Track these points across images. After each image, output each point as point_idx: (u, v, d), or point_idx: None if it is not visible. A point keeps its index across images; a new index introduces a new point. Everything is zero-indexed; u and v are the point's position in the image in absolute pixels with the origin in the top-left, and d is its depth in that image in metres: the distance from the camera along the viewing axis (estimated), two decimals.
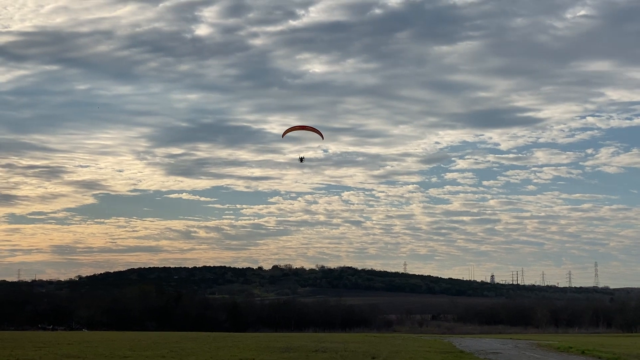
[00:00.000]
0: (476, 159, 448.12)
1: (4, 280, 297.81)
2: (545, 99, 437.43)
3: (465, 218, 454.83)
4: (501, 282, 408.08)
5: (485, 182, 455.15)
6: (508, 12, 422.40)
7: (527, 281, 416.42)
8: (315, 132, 75.32)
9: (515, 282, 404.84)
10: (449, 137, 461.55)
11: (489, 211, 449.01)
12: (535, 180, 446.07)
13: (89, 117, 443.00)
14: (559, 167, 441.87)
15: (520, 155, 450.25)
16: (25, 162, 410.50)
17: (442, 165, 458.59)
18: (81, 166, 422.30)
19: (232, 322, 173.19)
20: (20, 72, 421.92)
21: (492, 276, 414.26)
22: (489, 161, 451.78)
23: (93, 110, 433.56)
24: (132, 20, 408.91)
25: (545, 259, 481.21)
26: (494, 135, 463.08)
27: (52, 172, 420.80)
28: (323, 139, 76.23)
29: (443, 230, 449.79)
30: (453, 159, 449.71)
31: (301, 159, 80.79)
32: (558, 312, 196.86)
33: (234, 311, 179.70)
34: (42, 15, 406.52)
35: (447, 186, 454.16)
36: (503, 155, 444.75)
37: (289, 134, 77.17)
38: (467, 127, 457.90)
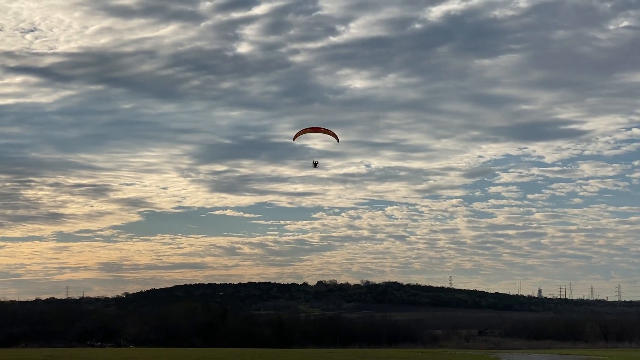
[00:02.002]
0: (520, 172, 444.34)
1: (53, 298, 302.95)
2: (590, 110, 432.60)
3: (510, 232, 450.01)
4: (549, 297, 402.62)
5: (530, 196, 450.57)
6: (549, 25, 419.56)
7: (576, 295, 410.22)
8: (329, 134, 74.62)
9: (563, 297, 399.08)
10: (492, 150, 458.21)
11: (535, 225, 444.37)
12: (581, 193, 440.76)
13: (133, 136, 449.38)
14: (605, 180, 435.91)
15: (565, 168, 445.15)
16: (72, 180, 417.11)
17: (485, 179, 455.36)
18: (126, 184, 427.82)
19: (277, 338, 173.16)
20: (66, 93, 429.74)
21: (540, 290, 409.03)
22: (533, 174, 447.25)
23: (137, 129, 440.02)
24: (174, 39, 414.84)
25: (594, 272, 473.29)
26: (537, 148, 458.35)
27: (98, 191, 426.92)
28: (338, 141, 75.80)
29: (488, 245, 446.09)
30: (497, 172, 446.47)
31: (315, 164, 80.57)
32: (608, 327, 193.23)
33: (279, 327, 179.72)
34: (86, 37, 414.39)
35: (492, 200, 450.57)
36: (548, 168, 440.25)
37: (303, 135, 76.40)
38: (510, 141, 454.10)
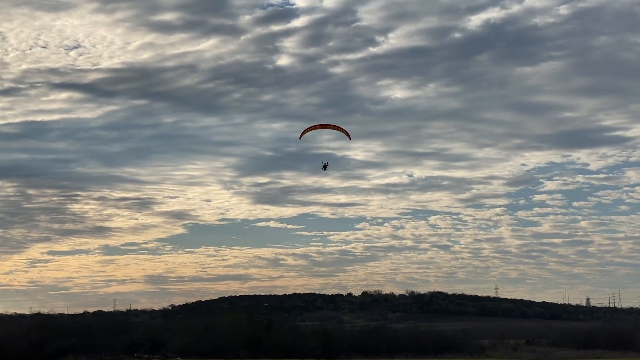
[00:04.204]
0: (565, 180, 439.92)
1: (101, 310, 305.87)
2: (634, 117, 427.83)
3: (556, 240, 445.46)
4: (597, 305, 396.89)
5: (575, 204, 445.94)
6: (591, 31, 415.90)
7: (625, 304, 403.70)
8: (339, 130, 73.70)
9: (612, 305, 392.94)
10: (535, 158, 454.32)
11: (581, 233, 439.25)
12: (627, 200, 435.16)
13: (176, 149, 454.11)
14: None
15: (610, 175, 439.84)
16: (117, 194, 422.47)
17: (529, 187, 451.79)
18: (170, 197, 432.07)
19: (323, 349, 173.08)
20: (110, 108, 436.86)
21: (588, 299, 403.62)
22: (578, 182, 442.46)
23: (180, 142, 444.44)
24: (215, 53, 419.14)
25: None
26: (582, 156, 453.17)
27: (143, 204, 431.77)
28: (350, 139, 75.21)
29: (534, 253, 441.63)
30: (541, 180, 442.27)
31: (324, 167, 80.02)
32: None
33: (324, 338, 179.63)
34: (129, 52, 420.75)
35: (536, 208, 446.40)
36: (593, 176, 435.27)
37: (310, 133, 75.30)
38: (553, 148, 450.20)
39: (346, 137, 76.33)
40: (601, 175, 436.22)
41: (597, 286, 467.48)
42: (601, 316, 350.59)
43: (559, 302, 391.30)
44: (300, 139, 79.61)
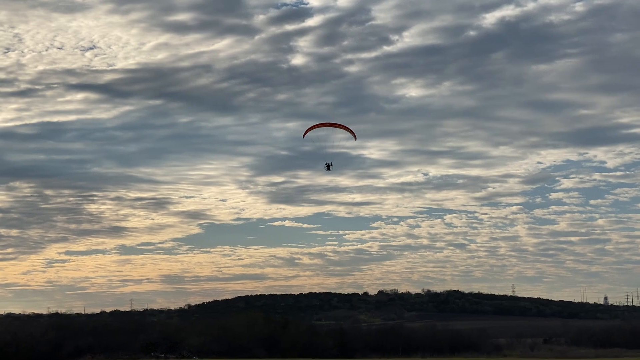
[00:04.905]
0: (582, 178, 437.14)
1: (118, 310, 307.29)
2: None
3: (573, 238, 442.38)
4: (615, 304, 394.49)
5: (592, 202, 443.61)
6: (607, 28, 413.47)
7: None
8: (345, 129, 73.27)
9: (630, 304, 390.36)
10: (552, 156, 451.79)
11: (598, 231, 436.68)
12: None
13: (191, 149, 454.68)
14: None
15: (628, 172, 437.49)
16: (132, 194, 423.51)
17: (546, 185, 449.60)
18: (186, 197, 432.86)
19: (339, 348, 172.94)
20: (125, 108, 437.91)
21: (606, 298, 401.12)
22: (595, 180, 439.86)
23: (195, 142, 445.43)
24: (229, 53, 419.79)
25: None
26: (599, 153, 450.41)
27: (159, 204, 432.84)
28: (356, 139, 74.76)
29: (550, 252, 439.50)
30: (557, 178, 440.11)
31: (328, 167, 79.50)
32: None
33: (341, 337, 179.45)
34: (144, 53, 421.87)
35: (553, 206, 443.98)
36: (610, 173, 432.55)
37: (312, 132, 75.00)
38: (570, 146, 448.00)
39: (351, 137, 75.91)
40: (618, 173, 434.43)
41: (615, 284, 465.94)
42: (619, 314, 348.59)
43: (576, 301, 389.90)
44: (303, 137, 79.28)
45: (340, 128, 75.50)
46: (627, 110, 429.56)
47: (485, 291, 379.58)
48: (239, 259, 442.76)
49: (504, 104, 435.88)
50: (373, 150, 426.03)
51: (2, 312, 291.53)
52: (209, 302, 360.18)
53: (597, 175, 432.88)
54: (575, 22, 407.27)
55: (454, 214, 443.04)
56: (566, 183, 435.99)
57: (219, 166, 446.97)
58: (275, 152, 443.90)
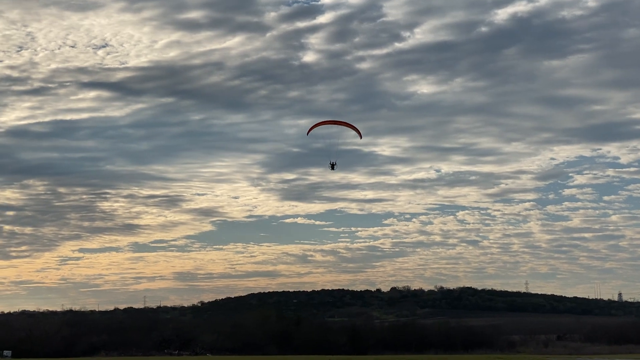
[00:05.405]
0: (595, 174, 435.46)
1: (131, 307, 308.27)
2: None
3: (586, 235, 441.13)
4: (630, 300, 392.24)
5: (606, 198, 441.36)
6: (620, 23, 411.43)
7: None
8: (350, 127, 72.79)
9: None
10: (565, 152, 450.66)
11: (612, 227, 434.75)
12: None
13: (203, 146, 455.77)
14: None
15: None
16: (145, 192, 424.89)
17: (559, 182, 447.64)
18: (198, 194, 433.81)
19: (352, 345, 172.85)
20: (137, 106, 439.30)
21: (620, 294, 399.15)
22: (608, 176, 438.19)
23: (207, 140, 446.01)
24: (241, 50, 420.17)
25: None
26: (612, 149, 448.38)
27: (171, 201, 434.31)
28: (361, 137, 74.36)
29: (564, 248, 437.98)
30: (570, 174, 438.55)
31: (332, 166, 78.98)
32: None
33: (353, 334, 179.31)
34: (156, 51, 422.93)
35: (566, 203, 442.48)
36: (624, 169, 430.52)
37: (316, 129, 74.52)
38: (583, 142, 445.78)
39: (356, 135, 75.42)
40: (632, 169, 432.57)
41: (629, 281, 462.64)
42: (634, 311, 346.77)
43: (590, 297, 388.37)
44: (307, 134, 78.81)
45: (345, 126, 75.12)
46: None
47: (498, 288, 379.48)
48: (251, 256, 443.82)
49: (516, 100, 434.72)
50: (385, 147, 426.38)
51: (16, 310, 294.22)
52: (222, 299, 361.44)
53: (610, 171, 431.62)
54: (588, 17, 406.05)
55: (467, 211, 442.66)
56: (579, 179, 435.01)
57: (231, 163, 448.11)
58: (287, 149, 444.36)
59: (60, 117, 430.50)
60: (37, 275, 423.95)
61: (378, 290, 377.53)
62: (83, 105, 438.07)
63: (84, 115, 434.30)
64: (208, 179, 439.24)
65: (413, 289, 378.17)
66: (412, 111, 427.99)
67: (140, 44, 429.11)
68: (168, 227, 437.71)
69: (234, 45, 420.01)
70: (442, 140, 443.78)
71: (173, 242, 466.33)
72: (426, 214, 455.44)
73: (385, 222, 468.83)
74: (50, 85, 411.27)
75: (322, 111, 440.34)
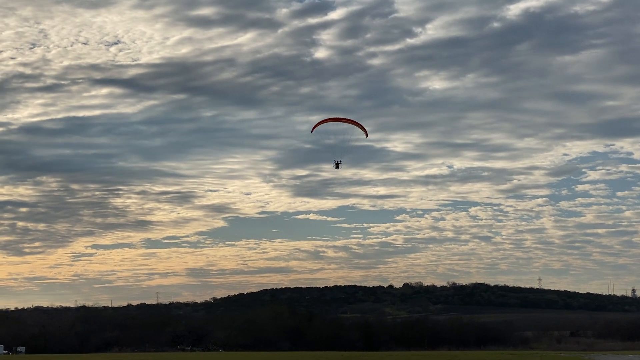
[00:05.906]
0: (608, 170, 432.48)
1: (144, 303, 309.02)
2: None
3: (600, 230, 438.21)
4: None
5: (619, 193, 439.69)
6: (633, 18, 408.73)
7: None
8: (355, 125, 72.13)
9: None
10: (578, 148, 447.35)
11: (625, 223, 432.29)
12: None
13: (216, 143, 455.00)
14: None
15: None
16: (157, 188, 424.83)
17: (572, 177, 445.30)
18: (210, 190, 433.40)
19: (364, 341, 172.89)
20: (150, 103, 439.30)
21: (634, 290, 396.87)
22: (622, 171, 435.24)
23: (219, 136, 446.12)
24: (252, 47, 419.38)
25: None
26: (625, 145, 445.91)
27: (184, 197, 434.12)
28: (367, 135, 73.84)
29: (577, 244, 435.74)
30: (583, 170, 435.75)
31: (337, 165, 78.46)
32: None
33: (366, 330, 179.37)
34: (168, 47, 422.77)
35: (579, 198, 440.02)
36: (637, 165, 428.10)
37: (321, 127, 73.61)
38: (596, 138, 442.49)
39: (362, 133, 74.93)
40: None
41: None
42: None
43: (603, 293, 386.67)
44: (312, 132, 78.15)
45: (351, 124, 74.61)
46: None
47: (511, 284, 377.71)
48: (263, 252, 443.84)
49: (529, 95, 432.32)
50: (397, 143, 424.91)
51: (30, 306, 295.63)
52: (234, 295, 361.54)
53: (623, 167, 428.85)
54: (601, 12, 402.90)
55: (479, 207, 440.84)
56: (592, 175, 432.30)
57: (243, 160, 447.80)
58: (299, 145, 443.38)
59: (72, 113, 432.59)
60: (50, 272, 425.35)
61: (390, 287, 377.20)
62: (95, 102, 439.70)
63: (97, 112, 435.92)
64: (220, 175, 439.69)
65: (425, 285, 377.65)
66: (424, 107, 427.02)
67: (152, 40, 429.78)
68: (180, 224, 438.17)
69: (245, 41, 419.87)
70: (454, 136, 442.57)
71: (185, 239, 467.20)
72: (438, 210, 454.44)
73: (398, 218, 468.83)
74: (62, 82, 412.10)
75: (333, 107, 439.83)
